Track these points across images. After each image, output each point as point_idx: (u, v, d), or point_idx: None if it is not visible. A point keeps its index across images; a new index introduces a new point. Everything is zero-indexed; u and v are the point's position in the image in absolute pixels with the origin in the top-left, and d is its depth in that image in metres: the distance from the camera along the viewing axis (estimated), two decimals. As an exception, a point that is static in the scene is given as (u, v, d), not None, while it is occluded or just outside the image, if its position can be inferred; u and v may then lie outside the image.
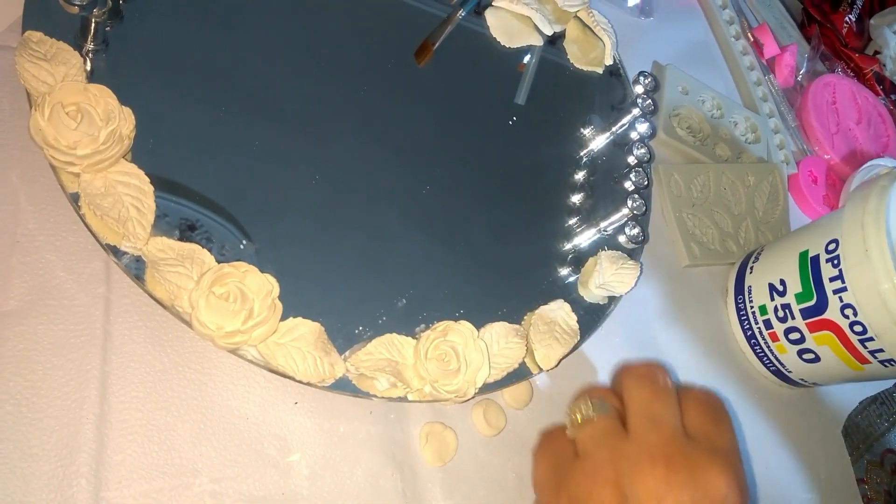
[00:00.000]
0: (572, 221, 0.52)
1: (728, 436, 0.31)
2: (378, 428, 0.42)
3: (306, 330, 0.38)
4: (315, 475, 0.39)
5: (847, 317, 0.49)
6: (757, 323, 0.56)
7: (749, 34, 0.78)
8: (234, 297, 0.36)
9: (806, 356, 0.54)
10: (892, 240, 0.46)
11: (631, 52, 0.66)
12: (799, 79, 0.79)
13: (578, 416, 0.32)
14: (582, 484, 0.29)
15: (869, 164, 0.71)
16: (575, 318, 0.47)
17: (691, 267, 0.59)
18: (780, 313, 0.54)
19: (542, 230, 0.51)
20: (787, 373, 0.56)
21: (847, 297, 0.49)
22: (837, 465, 0.58)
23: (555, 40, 0.59)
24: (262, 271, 0.37)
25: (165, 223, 0.38)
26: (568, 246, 0.51)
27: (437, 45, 0.53)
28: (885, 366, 0.50)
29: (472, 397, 0.40)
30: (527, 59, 0.57)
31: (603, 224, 0.51)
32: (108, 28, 0.42)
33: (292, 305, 0.38)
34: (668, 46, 0.71)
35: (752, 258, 0.58)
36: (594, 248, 0.51)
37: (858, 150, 0.77)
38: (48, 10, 0.40)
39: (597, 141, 0.55)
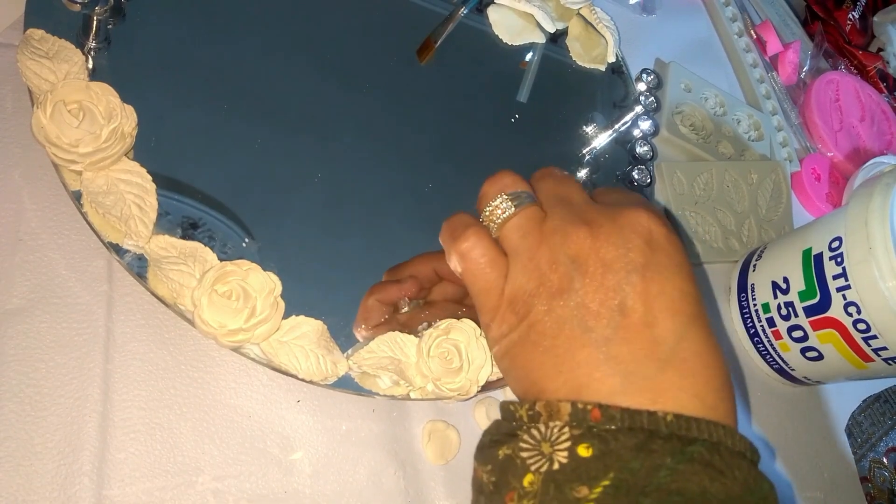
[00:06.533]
0: (575, 219, 0.52)
1: (642, 199, 0.32)
2: (380, 426, 0.42)
3: (309, 328, 0.38)
4: (317, 473, 0.39)
5: (850, 315, 0.49)
6: (760, 321, 0.56)
7: (752, 31, 0.78)
8: (236, 295, 0.36)
9: (809, 354, 0.54)
10: (896, 237, 0.46)
11: (633, 50, 0.66)
12: (802, 76, 0.79)
13: (498, 214, 0.31)
14: (530, 280, 0.28)
15: (872, 161, 0.71)
16: (577, 316, 0.46)
17: (694, 265, 0.59)
18: (784, 311, 0.54)
19: (544, 228, 0.51)
20: (790, 371, 0.56)
21: (851, 295, 0.49)
22: (841, 464, 0.58)
23: (557, 38, 0.59)
24: (265, 269, 0.37)
25: (167, 221, 0.38)
26: (570, 244, 0.51)
27: (439, 42, 0.53)
28: (889, 364, 0.50)
29: (475, 395, 0.40)
30: (529, 56, 0.57)
31: (606, 222, 0.50)
32: (109, 26, 0.42)
33: (295, 303, 0.38)
34: (670, 43, 0.71)
35: (755, 256, 0.58)
36: (597, 246, 0.51)
37: (862, 147, 0.76)
38: (50, 8, 0.40)
39: (599, 138, 0.55)
